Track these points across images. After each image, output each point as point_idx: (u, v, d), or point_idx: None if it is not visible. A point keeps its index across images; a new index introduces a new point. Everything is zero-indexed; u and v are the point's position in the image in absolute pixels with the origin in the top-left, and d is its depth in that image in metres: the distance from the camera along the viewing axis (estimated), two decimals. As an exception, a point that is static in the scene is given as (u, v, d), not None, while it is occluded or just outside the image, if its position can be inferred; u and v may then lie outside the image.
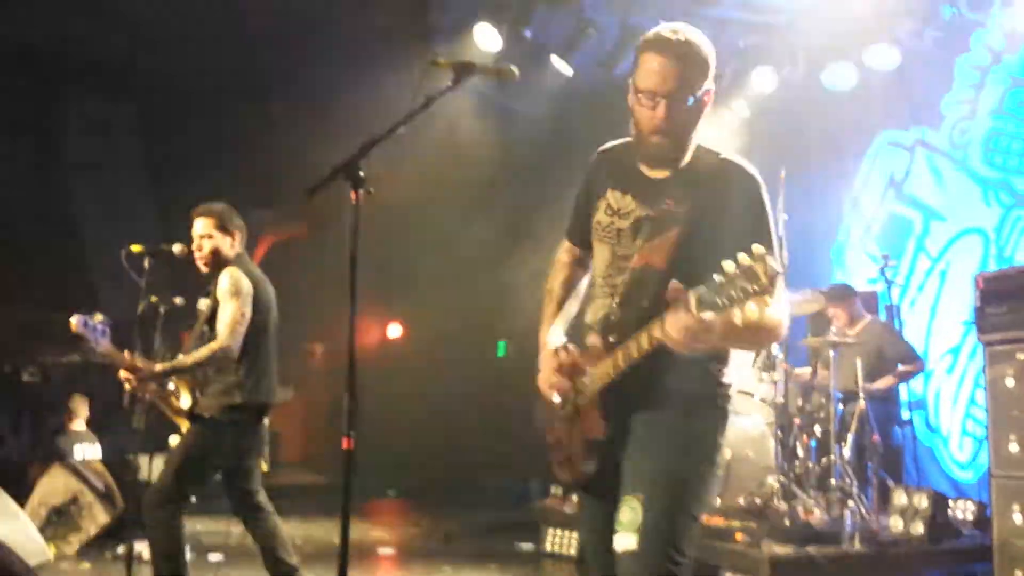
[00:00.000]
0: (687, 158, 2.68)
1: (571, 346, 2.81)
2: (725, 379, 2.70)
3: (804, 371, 6.92)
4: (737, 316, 2.16)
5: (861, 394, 6.42)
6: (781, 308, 2.49)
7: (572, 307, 3.01)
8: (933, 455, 8.03)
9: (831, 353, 6.48)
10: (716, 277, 2.16)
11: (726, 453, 6.66)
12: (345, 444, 2.98)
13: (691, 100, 2.58)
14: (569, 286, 3.00)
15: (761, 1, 8.55)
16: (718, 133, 8.90)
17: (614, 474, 2.64)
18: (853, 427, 6.42)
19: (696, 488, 2.60)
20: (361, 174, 3.07)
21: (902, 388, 7.32)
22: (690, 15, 8.44)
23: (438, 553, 7.41)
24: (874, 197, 8.78)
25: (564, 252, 3.04)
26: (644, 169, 2.72)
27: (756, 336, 2.53)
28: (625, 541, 2.52)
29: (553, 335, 2.90)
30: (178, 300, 6.42)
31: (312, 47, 9.01)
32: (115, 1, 8.43)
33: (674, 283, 2.29)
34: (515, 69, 3.20)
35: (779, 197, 6.59)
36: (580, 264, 3.02)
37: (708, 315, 2.20)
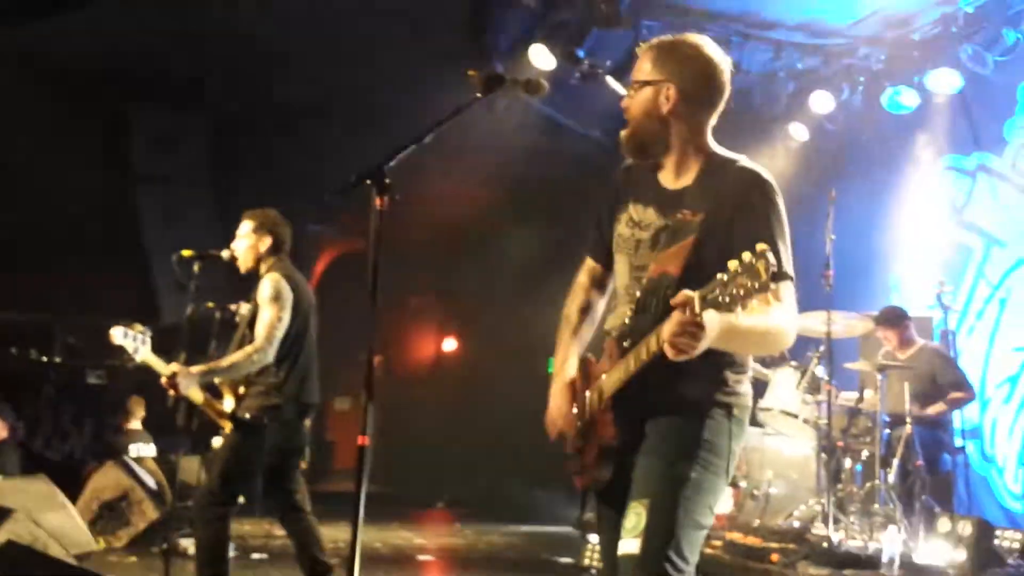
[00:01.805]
0: (701, 165, 2.72)
1: (586, 366, 2.86)
2: (741, 388, 2.69)
3: (851, 395, 6.84)
4: (739, 314, 2.21)
5: (908, 419, 6.33)
6: (787, 314, 2.52)
7: (587, 334, 3.02)
8: (988, 485, 7.84)
9: (878, 377, 6.41)
10: (719, 276, 2.20)
11: (767, 474, 6.63)
12: (360, 441, 3.03)
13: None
14: (585, 312, 3.01)
15: (820, 24, 8.51)
16: (774, 154, 8.90)
17: (628, 481, 2.65)
18: (899, 452, 6.33)
19: (702, 495, 2.57)
20: (387, 180, 3.12)
21: (956, 415, 7.18)
22: (747, 37, 8.47)
23: (476, 563, 7.49)
24: (934, 222, 8.64)
25: (584, 273, 3.06)
26: (663, 181, 2.78)
27: (762, 339, 2.55)
28: (628, 546, 2.52)
29: (566, 367, 2.92)
30: (234, 306, 6.63)
31: (374, 67, 9.22)
32: (183, 18, 8.72)
33: (683, 292, 2.30)
34: (544, 83, 3.29)
35: (828, 218, 6.55)
36: (599, 287, 3.04)
37: (709, 314, 2.24)
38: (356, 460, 3.00)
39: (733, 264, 2.17)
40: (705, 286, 2.24)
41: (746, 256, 2.16)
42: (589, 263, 3.04)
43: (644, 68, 2.75)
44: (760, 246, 2.16)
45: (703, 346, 2.31)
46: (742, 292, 2.16)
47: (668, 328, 2.31)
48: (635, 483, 2.61)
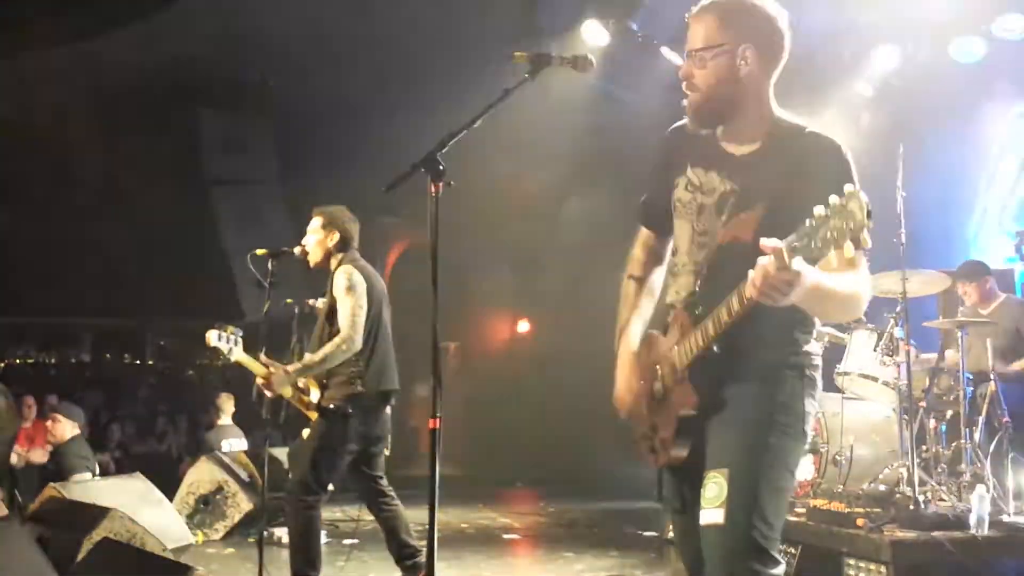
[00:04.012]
0: (768, 129, 2.65)
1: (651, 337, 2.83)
2: (809, 347, 2.65)
3: (931, 356, 6.70)
4: (833, 258, 2.13)
5: (992, 375, 6.19)
6: (865, 283, 2.47)
7: (647, 309, 2.98)
8: (1080, 439, 7.58)
9: (959, 334, 6.26)
10: (808, 222, 2.13)
11: (848, 438, 6.54)
12: (431, 424, 3.10)
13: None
14: (643, 286, 2.97)
15: (880, -23, 8.31)
16: (840, 113, 8.72)
17: (703, 453, 2.62)
18: (984, 409, 6.18)
19: (781, 459, 2.55)
20: (440, 167, 3.17)
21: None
22: (804, -4, 8.29)
23: (561, 539, 7.59)
24: (1009, 173, 8.39)
25: (638, 246, 3.01)
26: (726, 145, 2.71)
27: (843, 303, 2.45)
28: (711, 516, 2.50)
29: (627, 340, 2.90)
30: (312, 301, 6.79)
31: (431, 56, 9.31)
32: (249, 24, 8.92)
33: (772, 241, 2.23)
34: (592, 59, 3.30)
35: (898, 174, 6.41)
36: (655, 258, 2.99)
37: (801, 263, 2.17)
38: (429, 442, 3.09)
39: (820, 210, 2.10)
40: (790, 236, 2.17)
41: (834, 199, 2.08)
42: (643, 233, 3.00)
43: (709, 32, 2.63)
44: (848, 188, 2.09)
45: (795, 296, 2.24)
46: (836, 235, 2.08)
47: (755, 276, 2.23)
48: (711, 452, 2.58)
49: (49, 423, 7.60)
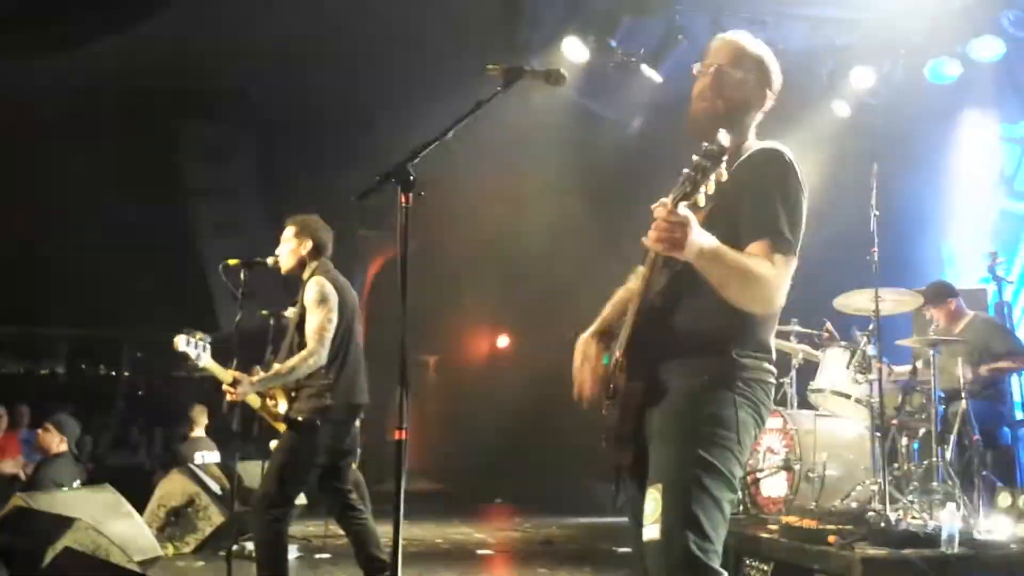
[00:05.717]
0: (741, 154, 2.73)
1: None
2: (744, 361, 2.66)
3: (904, 368, 6.74)
4: (701, 199, 2.33)
5: (963, 394, 6.23)
6: (775, 273, 2.54)
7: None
8: (1052, 458, 7.63)
9: (930, 352, 6.30)
10: (684, 171, 2.33)
11: (821, 455, 6.56)
12: (397, 435, 3.09)
13: (737, 76, 2.82)
14: (622, 311, 2.96)
15: (856, -1, 8.40)
16: (816, 133, 8.79)
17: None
18: (955, 428, 6.22)
19: (715, 470, 2.56)
20: (411, 177, 3.18)
21: (1016, 388, 7.03)
22: (782, 15, 8.38)
23: (535, 555, 7.55)
24: (983, 193, 8.48)
25: (635, 276, 3.01)
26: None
27: (744, 277, 2.50)
28: (648, 531, 2.53)
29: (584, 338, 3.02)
30: (288, 312, 6.74)
31: (411, 70, 9.34)
32: (229, 34, 8.92)
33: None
34: (565, 73, 3.32)
35: (872, 193, 6.45)
36: None
37: (686, 211, 2.33)
38: (396, 452, 3.07)
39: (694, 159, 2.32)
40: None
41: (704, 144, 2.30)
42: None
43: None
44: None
45: (691, 249, 2.37)
46: (700, 175, 2.30)
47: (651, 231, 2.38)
48: (650, 469, 2.62)
49: (40, 432, 7.50)
